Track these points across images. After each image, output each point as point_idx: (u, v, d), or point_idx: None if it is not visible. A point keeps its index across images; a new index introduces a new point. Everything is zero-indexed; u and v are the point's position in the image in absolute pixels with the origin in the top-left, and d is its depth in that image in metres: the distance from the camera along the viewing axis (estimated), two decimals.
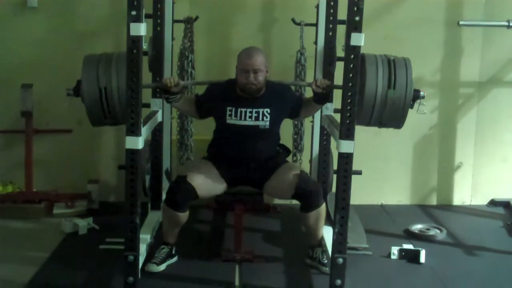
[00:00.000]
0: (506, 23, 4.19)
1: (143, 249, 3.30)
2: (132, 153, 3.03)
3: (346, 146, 2.99)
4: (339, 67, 3.31)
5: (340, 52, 3.64)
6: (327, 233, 3.47)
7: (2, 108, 4.44)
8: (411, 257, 3.61)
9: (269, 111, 3.42)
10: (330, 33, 3.83)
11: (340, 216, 3.03)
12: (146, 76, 3.39)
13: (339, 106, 3.08)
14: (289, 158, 3.77)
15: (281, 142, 3.65)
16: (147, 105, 3.74)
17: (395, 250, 3.64)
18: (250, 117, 3.41)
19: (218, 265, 3.48)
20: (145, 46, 3.12)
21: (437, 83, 4.65)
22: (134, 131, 3.02)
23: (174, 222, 3.41)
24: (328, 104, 3.89)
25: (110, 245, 3.57)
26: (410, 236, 4.01)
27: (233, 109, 3.41)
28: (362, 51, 2.95)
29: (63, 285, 3.21)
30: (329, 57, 3.85)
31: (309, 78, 4.13)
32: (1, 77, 4.41)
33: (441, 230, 4.07)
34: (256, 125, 3.42)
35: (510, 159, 4.77)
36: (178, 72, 4.15)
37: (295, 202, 3.48)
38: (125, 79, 3.08)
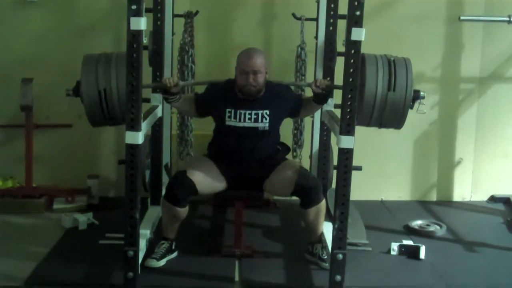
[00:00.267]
0: (507, 19, 4.19)
1: (143, 244, 3.30)
2: (132, 148, 3.03)
3: (346, 141, 2.99)
4: (340, 62, 3.30)
5: (340, 47, 3.63)
6: (327, 229, 3.47)
7: (2, 102, 4.43)
8: (411, 253, 3.60)
9: (268, 113, 3.41)
10: (331, 28, 3.82)
11: (340, 212, 3.03)
12: (146, 71, 3.38)
13: (339, 102, 3.07)
14: (289, 154, 3.77)
15: (281, 138, 3.65)
16: (147, 100, 3.73)
17: (395, 246, 3.64)
18: (250, 119, 3.41)
19: (218, 261, 3.48)
20: (145, 41, 3.11)
21: (438, 78, 4.64)
22: (134, 126, 3.01)
23: (173, 217, 3.40)
24: (329, 100, 3.88)
25: (110, 240, 3.57)
26: (410, 232, 4.01)
27: (232, 110, 3.40)
28: (363, 46, 2.94)
29: (63, 280, 3.21)
30: (329, 52, 3.84)
31: (310, 73, 4.12)
32: (1, 72, 4.40)
33: (441, 226, 4.07)
34: (255, 127, 3.42)
35: (511, 155, 4.76)
36: (178, 67, 4.14)
37: (294, 197, 3.48)
38: (124, 80, 3.08)
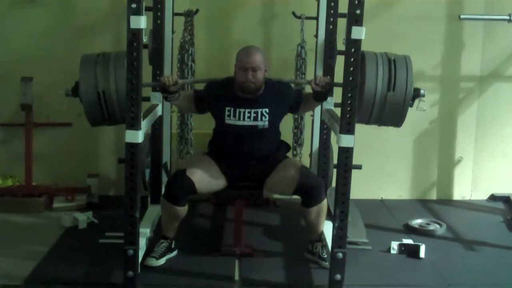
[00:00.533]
0: (507, 17, 4.18)
1: (142, 243, 3.30)
2: (132, 147, 3.02)
3: (346, 140, 2.98)
4: (340, 60, 3.30)
5: (340, 46, 3.63)
6: (327, 228, 3.47)
7: (2, 101, 4.43)
8: (411, 252, 3.60)
9: (267, 111, 3.41)
10: (331, 27, 3.81)
11: (340, 211, 3.03)
12: (146, 70, 3.37)
13: (339, 100, 3.07)
14: (289, 153, 3.76)
15: (281, 137, 3.64)
16: (147, 99, 3.73)
17: (394, 245, 3.64)
18: (249, 117, 3.40)
19: (218, 260, 3.48)
20: (145, 39, 3.11)
21: (438, 77, 4.64)
22: (134, 125, 3.01)
23: (173, 216, 3.40)
24: (329, 98, 3.88)
25: (109, 239, 3.56)
26: (410, 231, 4.01)
27: (232, 109, 3.40)
28: (363, 45, 2.94)
29: (63, 279, 3.20)
30: (329, 51, 3.84)
31: (310, 71, 4.12)
32: (1, 71, 4.40)
33: (441, 225, 4.07)
34: (255, 125, 3.41)
35: (510, 154, 4.76)
36: (178, 65, 4.14)
37: (295, 196, 3.48)
38: (123, 80, 3.08)
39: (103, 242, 3.58)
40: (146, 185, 3.84)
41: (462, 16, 4.24)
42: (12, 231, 3.89)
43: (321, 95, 3.42)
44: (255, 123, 3.41)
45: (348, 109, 2.96)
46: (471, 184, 4.78)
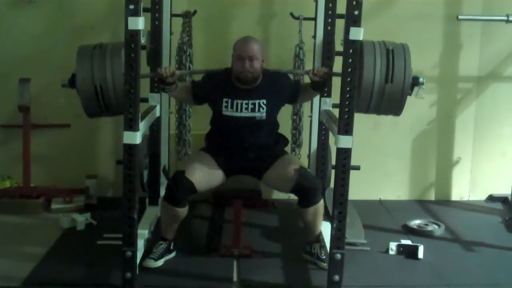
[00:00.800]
0: (505, 18, 4.18)
1: (141, 244, 3.29)
2: (130, 148, 3.02)
3: (344, 141, 2.98)
4: (338, 61, 3.30)
5: (339, 47, 3.63)
6: (325, 229, 3.47)
7: None
8: (409, 252, 3.60)
9: (265, 102, 3.40)
10: (329, 27, 3.82)
11: (338, 212, 3.03)
12: (144, 71, 3.37)
13: (337, 101, 3.07)
14: (288, 150, 3.75)
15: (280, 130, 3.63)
16: (145, 100, 3.73)
17: (393, 245, 3.64)
18: (246, 108, 3.39)
19: (216, 261, 3.47)
20: (143, 40, 3.11)
21: (436, 78, 4.64)
22: (132, 126, 3.01)
23: (173, 217, 3.40)
24: (327, 99, 3.89)
25: (108, 241, 3.55)
26: (408, 231, 4.01)
27: (229, 100, 3.39)
28: None
29: (61, 281, 3.20)
30: (327, 52, 3.84)
31: None
32: None
33: (439, 226, 4.07)
34: (253, 117, 3.40)
35: (509, 154, 4.77)
36: (176, 66, 4.13)
37: (293, 197, 3.48)
38: (119, 72, 3.08)
39: (101, 243, 3.57)
40: (144, 186, 3.84)
41: (460, 17, 4.24)
42: (10, 233, 3.89)
43: (319, 85, 3.40)
44: (252, 114, 3.40)
45: (346, 109, 2.96)
46: (469, 184, 4.78)
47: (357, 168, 3.64)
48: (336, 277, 3.05)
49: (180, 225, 3.48)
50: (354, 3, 2.87)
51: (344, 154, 3.00)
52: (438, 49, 4.61)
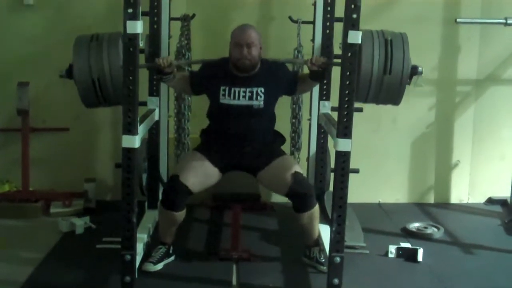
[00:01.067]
0: (504, 20, 4.18)
1: (140, 248, 3.29)
2: (129, 151, 3.02)
3: (343, 144, 2.98)
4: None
5: (337, 50, 3.63)
6: (325, 232, 3.46)
7: None
8: (409, 255, 3.60)
9: (263, 90, 3.38)
10: (327, 31, 3.82)
11: (338, 215, 3.02)
12: (142, 75, 3.37)
13: (336, 104, 3.06)
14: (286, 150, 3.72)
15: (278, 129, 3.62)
16: (144, 103, 3.73)
17: (392, 248, 3.63)
18: (244, 96, 3.37)
19: (216, 264, 3.47)
20: (141, 44, 3.11)
21: (435, 81, 4.64)
22: (130, 130, 3.01)
23: (171, 221, 3.39)
24: (326, 103, 3.89)
25: (107, 244, 3.54)
26: (408, 234, 4.01)
27: (227, 88, 3.38)
28: None
29: (60, 285, 3.20)
30: (326, 55, 3.83)
31: None
32: None
33: (438, 229, 4.07)
34: (250, 105, 3.38)
35: (508, 157, 4.76)
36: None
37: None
38: (117, 63, 3.11)
39: (100, 247, 3.55)
40: (143, 190, 3.84)
41: (458, 20, 4.24)
42: (9, 237, 3.88)
43: (318, 75, 3.39)
44: (250, 102, 3.38)
45: (345, 113, 2.96)
46: (468, 187, 4.78)
47: (356, 171, 3.64)
48: (336, 281, 3.04)
49: (179, 229, 3.48)
50: (353, 6, 2.87)
51: (343, 157, 2.99)
52: (437, 52, 4.61)
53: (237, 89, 3.38)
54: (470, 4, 4.52)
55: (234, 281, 3.31)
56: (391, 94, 3.33)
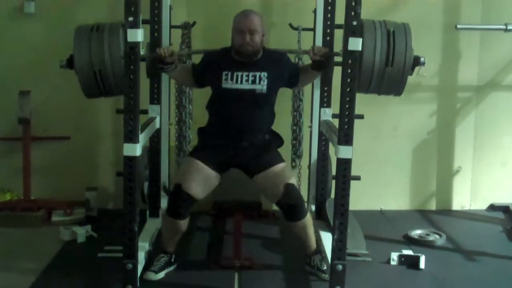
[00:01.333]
0: (504, 27, 4.19)
1: (141, 256, 3.28)
2: (130, 160, 3.02)
3: (344, 151, 2.98)
4: (337, 71, 3.30)
5: (337, 58, 3.62)
6: (326, 239, 3.46)
7: None
8: (411, 263, 3.59)
9: (266, 75, 3.34)
10: (328, 38, 3.82)
11: (339, 222, 3.01)
12: (143, 83, 3.37)
13: (337, 111, 3.06)
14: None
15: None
16: (145, 112, 3.72)
17: (394, 256, 3.62)
18: (247, 80, 3.33)
19: (217, 273, 3.46)
20: (142, 52, 3.11)
21: (435, 87, 4.64)
22: (132, 138, 3.01)
23: (175, 230, 3.39)
24: (326, 109, 3.88)
25: (108, 253, 3.54)
26: (410, 241, 4.00)
27: (229, 73, 3.34)
28: None
29: None
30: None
31: None
32: None
33: (440, 236, 4.06)
34: (253, 89, 3.34)
35: (509, 164, 4.76)
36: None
37: None
38: (118, 51, 3.08)
39: (102, 256, 3.55)
40: (144, 198, 3.83)
41: (458, 26, 4.25)
42: (11, 246, 3.87)
43: (320, 64, 3.36)
44: (253, 86, 3.33)
45: (346, 120, 2.96)
46: (470, 194, 4.78)
47: (357, 178, 3.64)
48: None
49: (181, 238, 3.47)
50: (353, 13, 2.88)
51: (345, 164, 2.99)
52: (437, 58, 4.61)
53: (239, 73, 3.34)
54: (470, 10, 4.53)
55: None
56: (393, 85, 3.28)
